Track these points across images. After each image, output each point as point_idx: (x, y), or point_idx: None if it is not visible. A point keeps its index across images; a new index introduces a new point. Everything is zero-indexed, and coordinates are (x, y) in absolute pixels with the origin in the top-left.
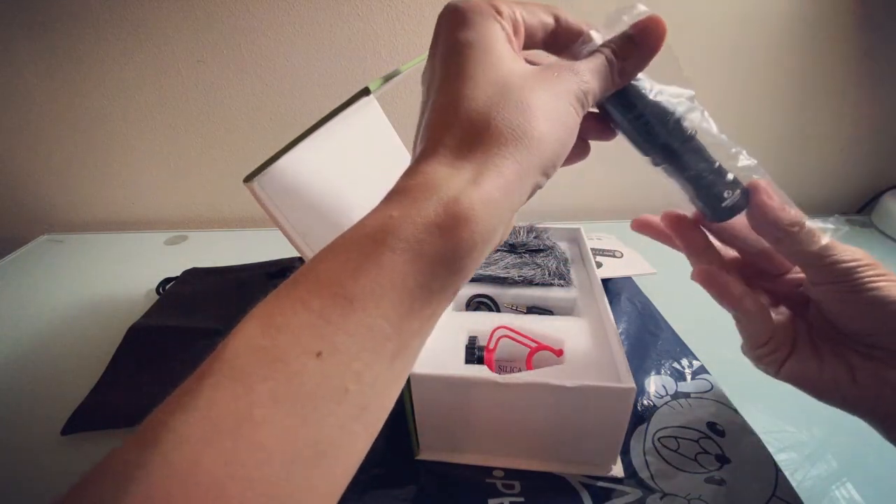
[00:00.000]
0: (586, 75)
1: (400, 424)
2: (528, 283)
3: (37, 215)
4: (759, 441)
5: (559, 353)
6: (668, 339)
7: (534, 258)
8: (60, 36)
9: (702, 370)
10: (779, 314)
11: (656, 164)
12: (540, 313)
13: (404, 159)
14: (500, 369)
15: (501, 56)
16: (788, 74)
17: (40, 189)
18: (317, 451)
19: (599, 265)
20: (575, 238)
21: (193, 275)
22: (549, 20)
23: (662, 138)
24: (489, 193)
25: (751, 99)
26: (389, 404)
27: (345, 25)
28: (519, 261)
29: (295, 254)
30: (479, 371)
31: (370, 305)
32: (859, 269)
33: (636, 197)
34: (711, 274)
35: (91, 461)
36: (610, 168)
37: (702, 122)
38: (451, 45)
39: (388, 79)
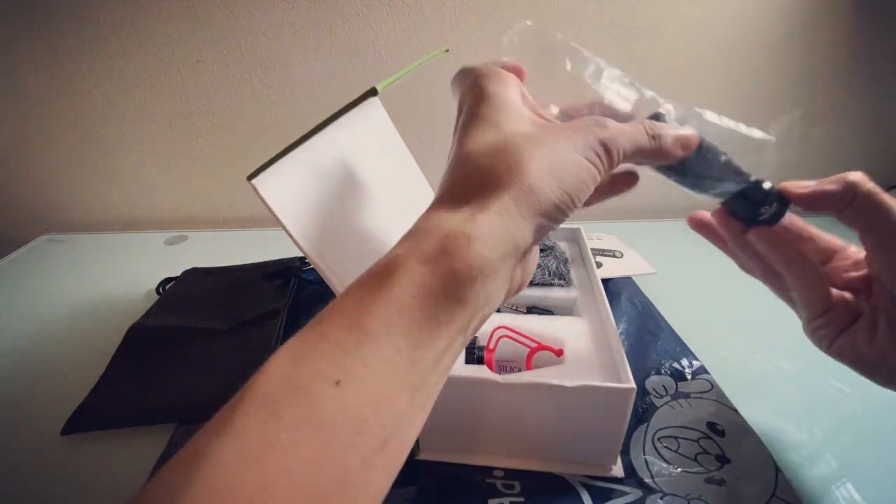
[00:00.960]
0: (612, 131)
1: None
2: (529, 283)
3: (37, 215)
4: (759, 441)
5: (559, 353)
6: (668, 339)
7: None
8: (60, 36)
9: (702, 370)
10: (838, 294)
11: (695, 190)
12: (540, 313)
13: (407, 160)
14: (500, 369)
15: (511, 110)
16: (788, 74)
17: (40, 189)
18: (340, 483)
19: (599, 265)
20: (575, 238)
21: (193, 275)
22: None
23: (710, 181)
24: (481, 229)
25: (751, 99)
26: (409, 441)
27: (345, 25)
28: None
29: (296, 253)
30: (479, 371)
31: (382, 336)
32: None
33: (636, 196)
34: (769, 233)
35: (91, 461)
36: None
37: (718, 123)
38: (470, 100)
39: (394, 79)
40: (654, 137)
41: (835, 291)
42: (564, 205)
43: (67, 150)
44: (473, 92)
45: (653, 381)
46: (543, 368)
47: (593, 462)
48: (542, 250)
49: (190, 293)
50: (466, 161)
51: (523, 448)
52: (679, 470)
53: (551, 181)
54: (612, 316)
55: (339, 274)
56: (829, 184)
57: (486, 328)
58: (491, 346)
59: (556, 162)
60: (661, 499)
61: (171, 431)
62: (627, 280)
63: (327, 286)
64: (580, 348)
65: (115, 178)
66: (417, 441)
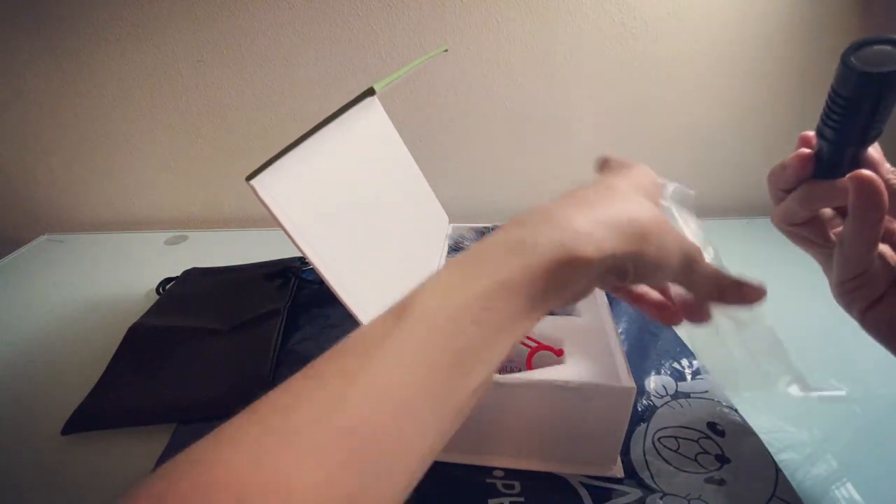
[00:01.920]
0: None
1: None
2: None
3: (37, 215)
4: (759, 441)
5: (559, 353)
6: (668, 339)
7: None
8: (60, 36)
9: (702, 370)
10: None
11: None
12: None
13: (405, 159)
14: (501, 369)
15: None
16: (788, 74)
17: (40, 189)
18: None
19: None
20: None
21: (193, 275)
22: None
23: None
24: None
25: (751, 99)
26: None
27: (345, 25)
28: None
29: (296, 253)
30: None
31: None
32: None
33: None
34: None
35: (91, 461)
36: None
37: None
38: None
39: (393, 79)
40: (721, 292)
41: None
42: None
43: (67, 150)
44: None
45: (653, 381)
46: (543, 368)
47: (593, 462)
48: None
49: (190, 293)
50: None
51: (523, 448)
52: (679, 470)
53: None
54: (611, 316)
55: (338, 274)
56: None
57: None
58: None
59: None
60: (661, 499)
61: (171, 431)
62: None
63: (327, 286)
64: (580, 348)
65: (115, 178)
66: None
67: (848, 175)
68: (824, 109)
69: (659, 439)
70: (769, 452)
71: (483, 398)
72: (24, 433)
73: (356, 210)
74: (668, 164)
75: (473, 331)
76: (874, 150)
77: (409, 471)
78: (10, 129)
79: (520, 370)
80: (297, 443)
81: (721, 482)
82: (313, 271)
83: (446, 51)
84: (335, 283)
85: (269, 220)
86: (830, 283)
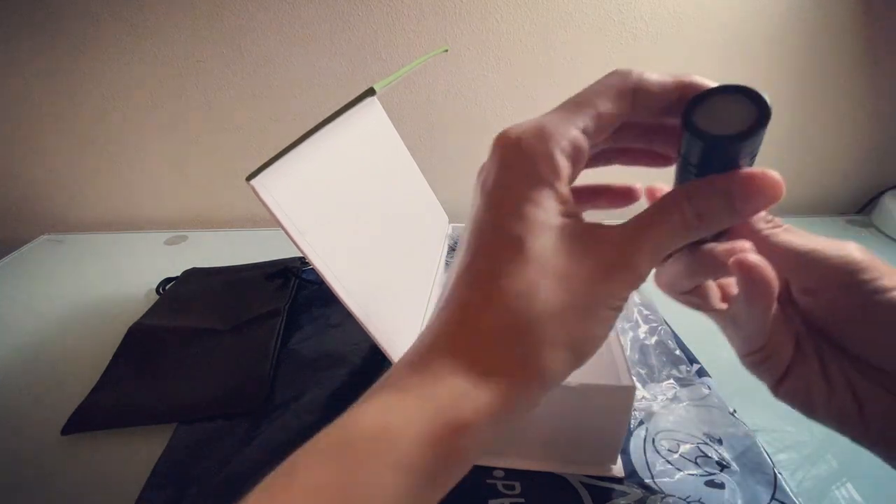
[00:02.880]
0: (644, 268)
1: None
2: None
3: (37, 215)
4: (758, 445)
5: None
6: (668, 339)
7: None
8: (60, 35)
9: (701, 373)
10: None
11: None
12: None
13: (405, 159)
14: None
15: (538, 258)
16: (788, 74)
17: (40, 189)
18: None
19: None
20: None
21: (193, 275)
22: (619, 110)
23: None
24: (493, 416)
25: None
26: None
27: (345, 25)
28: None
29: (296, 253)
30: None
31: None
32: (855, 269)
33: None
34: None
35: (91, 461)
36: (609, 168)
37: None
38: (493, 198)
39: (393, 79)
40: (699, 217)
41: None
42: (581, 361)
43: (67, 150)
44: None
45: (652, 383)
46: None
47: (593, 462)
48: None
49: (190, 293)
50: (485, 317)
51: (523, 448)
52: (679, 471)
53: (570, 361)
54: None
55: (338, 274)
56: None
57: None
58: None
59: (580, 339)
60: (662, 500)
61: (171, 431)
62: None
63: (327, 286)
64: None
65: (115, 178)
66: None
67: (732, 260)
68: (677, 167)
69: (659, 441)
70: (768, 456)
71: None
72: (24, 433)
73: (356, 210)
74: None
75: None
76: None
77: None
78: (10, 128)
79: None
80: None
81: (721, 486)
82: (313, 271)
83: (446, 51)
84: (335, 283)
85: (269, 220)
86: (736, 353)
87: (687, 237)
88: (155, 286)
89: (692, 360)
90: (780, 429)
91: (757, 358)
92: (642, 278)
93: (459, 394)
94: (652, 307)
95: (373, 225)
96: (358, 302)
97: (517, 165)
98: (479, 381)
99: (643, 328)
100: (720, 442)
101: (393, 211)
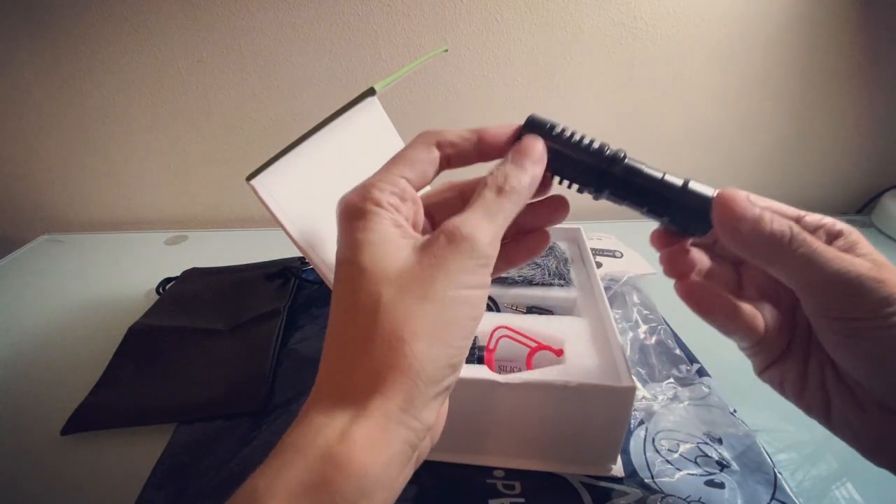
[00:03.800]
0: (480, 236)
1: None
2: (528, 283)
3: (37, 215)
4: (758, 444)
5: (559, 352)
6: (668, 339)
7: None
8: (60, 35)
9: (701, 372)
10: (771, 314)
11: (598, 193)
12: (540, 313)
13: None
14: (500, 369)
15: (377, 272)
16: (789, 74)
17: (40, 189)
18: None
19: (599, 265)
20: (575, 238)
21: (193, 275)
22: (428, 156)
23: (587, 165)
24: (363, 446)
25: (751, 99)
26: None
27: (345, 25)
28: None
29: (296, 253)
30: (480, 371)
31: None
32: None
33: None
34: (697, 288)
35: (91, 461)
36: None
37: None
38: (340, 254)
39: (393, 79)
40: (500, 190)
41: (764, 315)
42: (459, 361)
43: (67, 150)
44: (344, 235)
45: (652, 383)
46: (543, 368)
47: (593, 462)
48: None
49: (190, 293)
50: (336, 345)
51: (524, 448)
52: (679, 471)
53: (441, 351)
54: (612, 316)
55: None
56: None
57: (487, 328)
58: (491, 346)
59: (434, 322)
60: (662, 500)
61: (171, 431)
62: (627, 280)
63: (327, 286)
64: (580, 348)
65: (115, 178)
66: None
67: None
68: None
69: (659, 440)
70: (768, 456)
71: (482, 398)
72: (24, 433)
73: None
74: (667, 163)
75: None
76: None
77: None
78: (9, 128)
79: (520, 370)
80: None
81: (721, 485)
82: (313, 271)
83: (446, 51)
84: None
85: (269, 220)
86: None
87: (501, 197)
88: (155, 286)
89: (692, 359)
90: (781, 429)
91: (748, 351)
92: (480, 244)
93: (337, 432)
94: (652, 307)
95: None
96: None
97: (346, 214)
98: (346, 407)
99: (643, 328)
100: (720, 442)
101: None
